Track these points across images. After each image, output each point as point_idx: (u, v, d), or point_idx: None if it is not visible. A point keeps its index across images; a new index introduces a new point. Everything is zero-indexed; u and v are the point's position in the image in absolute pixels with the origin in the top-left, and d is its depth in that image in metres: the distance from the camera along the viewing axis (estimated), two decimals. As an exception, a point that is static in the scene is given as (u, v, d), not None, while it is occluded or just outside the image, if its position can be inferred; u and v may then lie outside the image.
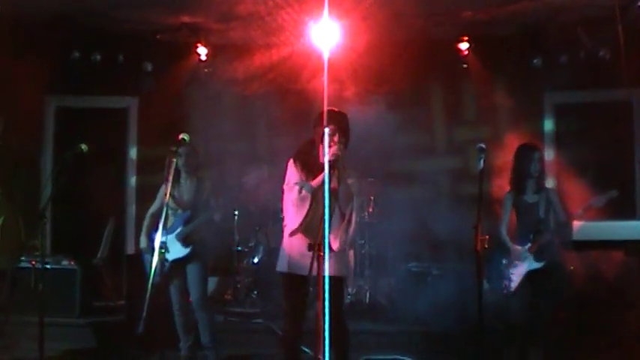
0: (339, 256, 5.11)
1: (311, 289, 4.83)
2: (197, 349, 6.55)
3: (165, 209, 5.39)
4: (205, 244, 6.55)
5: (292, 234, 5.16)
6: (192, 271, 6.46)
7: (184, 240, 6.39)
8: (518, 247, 6.21)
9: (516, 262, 6.18)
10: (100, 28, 8.70)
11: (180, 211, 6.47)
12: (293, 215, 5.16)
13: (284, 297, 5.43)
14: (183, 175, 6.54)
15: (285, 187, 5.24)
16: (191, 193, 6.52)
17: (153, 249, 5.41)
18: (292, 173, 5.21)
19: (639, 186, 8.73)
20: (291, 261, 5.16)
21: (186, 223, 6.43)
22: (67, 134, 9.20)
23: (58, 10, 8.17)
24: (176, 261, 6.36)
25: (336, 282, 5.11)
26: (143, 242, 6.49)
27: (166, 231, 6.37)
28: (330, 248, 5.01)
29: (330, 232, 5.03)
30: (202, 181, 6.64)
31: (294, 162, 5.23)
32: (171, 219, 6.48)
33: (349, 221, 5.11)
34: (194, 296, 6.49)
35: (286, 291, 5.30)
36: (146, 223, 6.56)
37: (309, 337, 4.75)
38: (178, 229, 6.41)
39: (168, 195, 5.53)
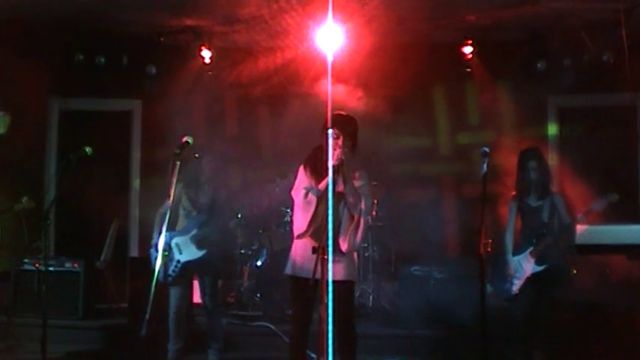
0: (348, 260, 5.12)
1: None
2: (184, 354, 6.45)
3: (168, 211, 5.39)
4: (218, 248, 6.57)
5: (299, 237, 5.16)
6: (206, 274, 6.50)
7: (199, 243, 6.39)
8: (513, 262, 6.22)
9: (518, 265, 6.18)
10: (104, 31, 8.71)
11: (194, 213, 6.47)
12: (300, 219, 5.15)
13: (290, 300, 5.44)
14: (202, 179, 6.56)
15: (293, 192, 5.25)
16: (209, 197, 6.53)
17: (164, 248, 5.39)
18: (302, 178, 5.23)
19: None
20: (297, 264, 5.16)
21: (202, 226, 6.43)
22: (71, 136, 9.22)
23: (62, 12, 8.18)
24: (189, 263, 6.37)
25: (346, 286, 5.11)
26: (156, 239, 6.30)
27: (179, 232, 6.42)
28: (340, 250, 5.03)
29: (339, 235, 5.05)
30: (221, 186, 6.68)
31: (304, 167, 5.25)
32: (184, 220, 6.50)
33: (358, 223, 5.11)
34: (209, 298, 6.52)
35: (292, 294, 5.29)
36: (157, 221, 6.43)
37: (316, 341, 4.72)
38: (193, 231, 6.41)
39: (172, 197, 5.51)
